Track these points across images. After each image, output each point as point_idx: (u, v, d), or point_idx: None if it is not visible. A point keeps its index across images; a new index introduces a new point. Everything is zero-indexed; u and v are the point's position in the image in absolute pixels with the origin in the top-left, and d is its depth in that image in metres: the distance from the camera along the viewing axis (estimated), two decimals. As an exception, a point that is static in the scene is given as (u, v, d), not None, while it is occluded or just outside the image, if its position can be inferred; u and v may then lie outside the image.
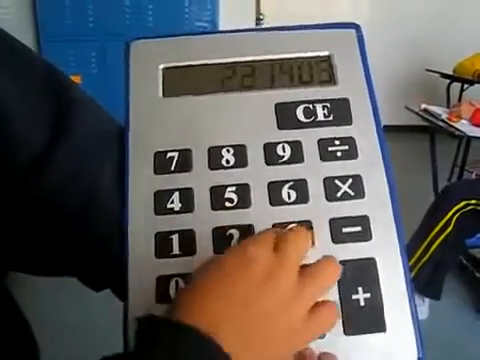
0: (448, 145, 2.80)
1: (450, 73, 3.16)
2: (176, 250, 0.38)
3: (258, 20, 3.77)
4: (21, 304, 0.40)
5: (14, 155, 0.37)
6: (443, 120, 2.24)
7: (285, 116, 0.41)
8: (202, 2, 3.29)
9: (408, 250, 1.77)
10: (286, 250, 0.32)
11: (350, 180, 0.39)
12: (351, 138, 0.40)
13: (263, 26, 3.31)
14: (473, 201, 1.69)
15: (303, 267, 0.33)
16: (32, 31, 3.32)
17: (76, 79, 3.20)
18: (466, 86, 3.26)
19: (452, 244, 1.72)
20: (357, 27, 0.44)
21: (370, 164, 0.40)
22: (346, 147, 0.40)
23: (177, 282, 0.37)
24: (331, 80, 0.42)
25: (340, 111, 0.41)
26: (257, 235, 0.35)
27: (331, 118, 0.41)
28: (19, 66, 0.39)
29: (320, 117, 0.41)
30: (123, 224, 0.39)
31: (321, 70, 0.43)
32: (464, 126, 2.17)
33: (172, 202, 0.39)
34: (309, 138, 0.40)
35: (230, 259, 0.32)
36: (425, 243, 1.73)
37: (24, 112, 0.38)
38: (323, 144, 0.40)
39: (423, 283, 1.75)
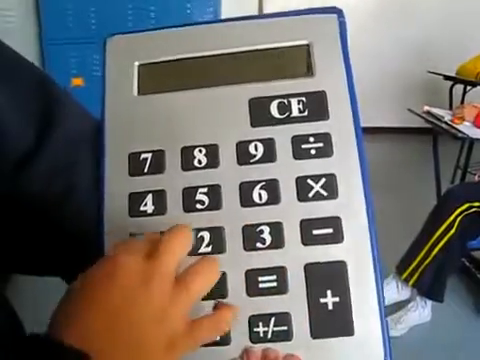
0: (451, 147, 2.80)
1: (453, 75, 3.15)
2: None
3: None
4: (16, 306, 0.39)
5: (2, 159, 0.37)
6: (446, 122, 2.23)
7: (258, 112, 0.40)
8: (204, 4, 3.29)
9: (411, 253, 1.77)
10: (158, 256, 0.31)
11: (323, 179, 0.38)
12: (327, 134, 0.39)
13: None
14: (476, 203, 1.69)
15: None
16: (35, 34, 3.33)
17: (78, 81, 3.20)
18: (469, 88, 3.25)
19: (455, 246, 1.72)
20: (339, 12, 0.42)
21: (345, 162, 0.38)
22: (321, 144, 0.38)
23: None
24: (308, 71, 0.40)
25: (316, 105, 0.39)
26: (128, 242, 0.34)
27: (306, 113, 0.39)
28: (12, 74, 0.39)
29: (295, 112, 0.39)
30: (99, 225, 0.39)
31: (298, 61, 0.41)
32: (467, 128, 2.17)
33: (145, 204, 0.39)
34: (283, 135, 0.39)
35: (99, 269, 0.31)
36: (428, 245, 1.73)
37: (15, 119, 0.38)
38: (297, 141, 0.39)
39: (426, 286, 1.74)
